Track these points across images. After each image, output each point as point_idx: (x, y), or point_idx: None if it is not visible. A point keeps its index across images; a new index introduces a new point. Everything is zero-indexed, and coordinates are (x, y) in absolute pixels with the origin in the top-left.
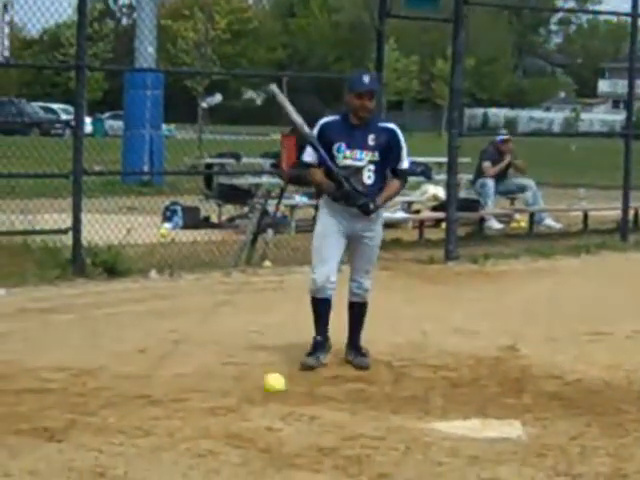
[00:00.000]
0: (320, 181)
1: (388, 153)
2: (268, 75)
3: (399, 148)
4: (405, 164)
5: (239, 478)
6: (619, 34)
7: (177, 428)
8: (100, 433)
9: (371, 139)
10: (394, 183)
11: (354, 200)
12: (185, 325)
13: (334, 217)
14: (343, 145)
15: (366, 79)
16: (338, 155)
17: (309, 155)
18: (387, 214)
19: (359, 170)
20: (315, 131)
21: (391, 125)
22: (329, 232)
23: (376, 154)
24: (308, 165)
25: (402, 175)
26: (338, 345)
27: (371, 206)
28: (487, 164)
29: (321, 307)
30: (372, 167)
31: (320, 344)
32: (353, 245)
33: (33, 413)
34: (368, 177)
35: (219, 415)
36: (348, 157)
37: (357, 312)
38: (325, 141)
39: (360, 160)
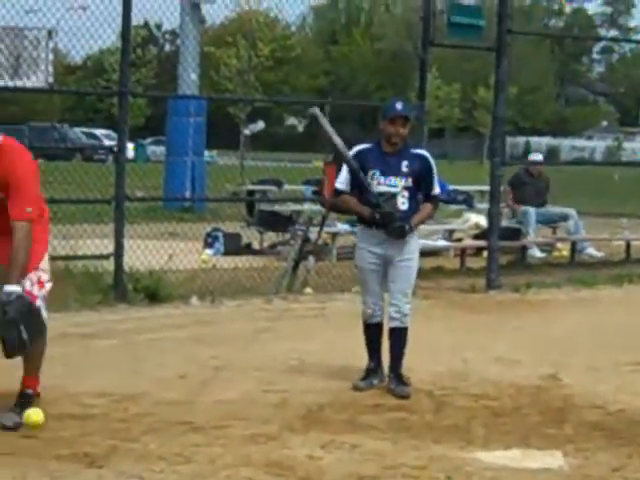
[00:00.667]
0: (356, 207)
1: (421, 179)
2: (310, 102)
3: (431, 175)
4: (437, 190)
5: None
6: None
7: (218, 455)
8: (141, 459)
9: (405, 166)
10: (427, 207)
11: (391, 222)
12: (226, 351)
13: (367, 249)
14: (378, 172)
15: (399, 105)
16: (372, 182)
17: (341, 183)
18: (429, 242)
19: (394, 196)
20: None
21: (423, 152)
22: (366, 267)
23: (409, 180)
24: (340, 192)
25: (434, 200)
26: None
27: (407, 227)
28: (507, 188)
29: (372, 332)
30: (406, 193)
31: (373, 370)
32: (389, 269)
33: (74, 438)
34: (402, 203)
35: (260, 443)
36: (383, 184)
37: (397, 339)
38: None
39: (395, 187)
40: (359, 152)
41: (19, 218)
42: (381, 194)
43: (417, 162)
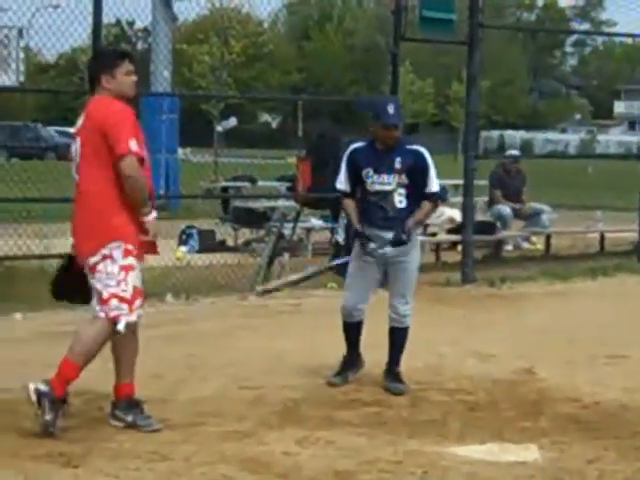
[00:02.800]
0: (351, 216)
1: (416, 175)
2: (283, 98)
3: (427, 171)
4: (434, 187)
5: None
6: (635, 56)
7: (193, 453)
8: (116, 458)
9: (398, 162)
10: (424, 206)
11: (368, 242)
12: (201, 349)
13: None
14: (371, 170)
15: (391, 109)
16: (367, 180)
17: (340, 182)
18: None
19: (389, 194)
20: (344, 158)
21: (418, 147)
22: (361, 263)
23: (404, 177)
24: (342, 193)
25: (432, 198)
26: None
27: (403, 237)
28: (497, 192)
29: (351, 330)
30: (402, 190)
31: (349, 363)
32: (389, 271)
33: (49, 438)
34: (399, 201)
35: (235, 440)
36: (376, 182)
37: (395, 338)
38: (354, 167)
39: (388, 184)
40: (353, 151)
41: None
42: (377, 192)
43: (411, 157)
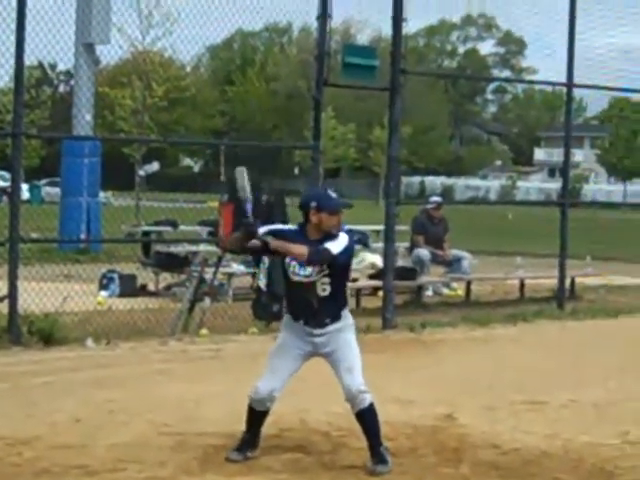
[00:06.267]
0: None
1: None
2: (205, 143)
3: (334, 237)
4: (330, 246)
5: None
6: (554, 103)
7: None
8: None
9: None
10: (301, 246)
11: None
12: (121, 394)
13: (294, 335)
14: (296, 262)
15: (334, 194)
16: (288, 270)
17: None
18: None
19: (313, 284)
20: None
21: (342, 233)
22: (286, 347)
23: (324, 267)
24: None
25: (319, 249)
26: (277, 414)
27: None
28: (419, 238)
29: (257, 416)
30: (326, 279)
31: (248, 442)
32: (327, 360)
33: None
34: (323, 290)
35: None
36: (298, 274)
37: (362, 422)
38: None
39: (309, 276)
40: (279, 231)
41: None
42: (300, 283)
43: None
